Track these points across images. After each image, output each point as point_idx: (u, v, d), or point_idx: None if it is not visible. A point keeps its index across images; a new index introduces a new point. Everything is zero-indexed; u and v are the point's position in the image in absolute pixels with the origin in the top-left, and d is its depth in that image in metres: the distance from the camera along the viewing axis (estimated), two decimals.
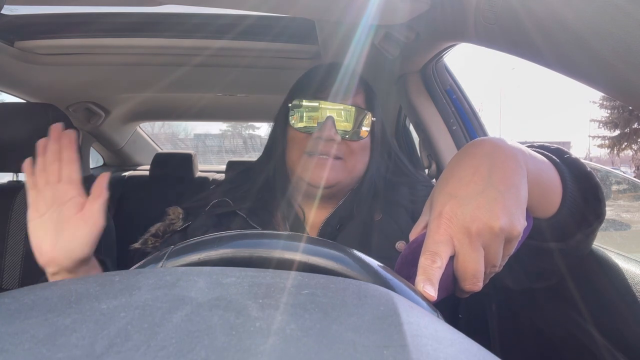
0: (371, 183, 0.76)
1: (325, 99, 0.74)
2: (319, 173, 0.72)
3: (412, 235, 0.48)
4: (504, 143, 0.47)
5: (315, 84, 0.76)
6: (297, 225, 0.76)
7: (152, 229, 0.79)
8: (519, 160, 0.45)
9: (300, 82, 0.81)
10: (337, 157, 0.72)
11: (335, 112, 0.73)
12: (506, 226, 0.41)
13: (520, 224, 0.42)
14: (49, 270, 0.59)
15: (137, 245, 0.78)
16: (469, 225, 0.41)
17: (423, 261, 0.40)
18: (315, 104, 0.75)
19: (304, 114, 0.75)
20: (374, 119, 0.76)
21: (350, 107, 0.74)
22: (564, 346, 0.70)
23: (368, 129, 0.76)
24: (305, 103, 0.75)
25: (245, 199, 0.77)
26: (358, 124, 0.75)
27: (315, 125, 0.74)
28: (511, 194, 0.42)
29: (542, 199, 0.51)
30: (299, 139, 0.75)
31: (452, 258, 0.42)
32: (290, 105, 0.76)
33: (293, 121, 0.75)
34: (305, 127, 0.75)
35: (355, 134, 0.74)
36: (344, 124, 0.74)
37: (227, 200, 0.77)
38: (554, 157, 0.54)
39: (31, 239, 0.58)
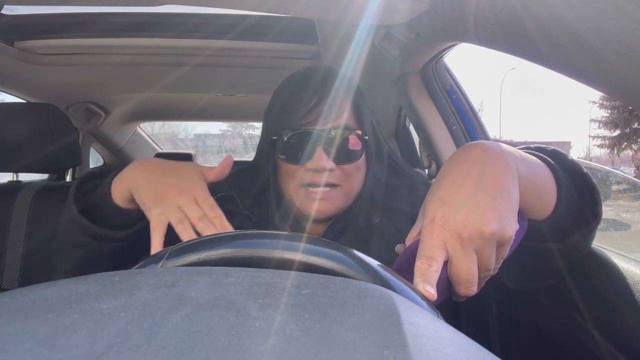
0: (367, 190, 0.73)
1: (310, 124, 0.67)
2: (322, 208, 0.68)
3: (408, 241, 0.48)
4: (495, 147, 0.47)
5: (292, 105, 0.69)
6: (297, 227, 0.76)
7: None
8: (510, 164, 0.45)
9: (276, 104, 0.74)
10: (333, 185, 0.68)
11: (324, 138, 0.67)
12: (497, 230, 0.41)
13: (511, 228, 0.42)
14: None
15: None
16: (460, 231, 0.41)
17: (419, 265, 0.41)
18: (301, 132, 0.68)
19: (292, 145, 0.69)
20: (367, 137, 0.70)
21: (338, 130, 0.68)
22: (563, 346, 0.70)
23: (362, 147, 0.70)
24: (290, 133, 0.68)
25: (247, 198, 0.77)
26: (350, 145, 0.69)
27: (305, 154, 0.68)
28: (502, 198, 0.43)
29: (536, 200, 0.51)
30: (291, 171, 0.69)
31: (446, 263, 0.42)
32: (274, 138, 0.70)
33: (281, 153, 0.70)
34: (295, 159, 0.69)
35: (348, 156, 0.69)
36: (336, 149, 0.68)
37: (232, 195, 0.76)
38: (548, 158, 0.54)
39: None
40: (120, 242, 0.64)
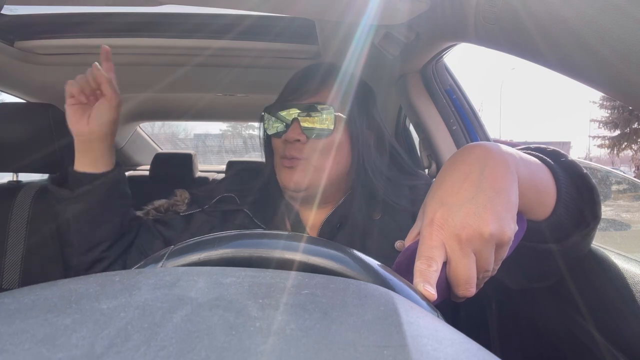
0: (364, 181, 0.75)
1: (291, 101, 0.74)
2: (287, 177, 0.73)
3: (407, 242, 0.48)
4: (495, 148, 0.48)
5: (289, 90, 0.77)
6: (298, 224, 0.76)
7: (156, 203, 0.84)
8: (509, 165, 0.46)
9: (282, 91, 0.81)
10: (296, 158, 0.73)
11: (299, 113, 0.73)
12: (496, 232, 0.41)
13: (510, 229, 0.42)
14: (80, 138, 0.75)
15: (139, 213, 0.82)
16: (459, 232, 0.41)
17: (419, 265, 0.41)
18: (281, 106, 0.75)
19: (274, 119, 0.76)
20: (340, 114, 0.74)
21: (312, 104, 0.73)
22: (564, 346, 0.70)
23: (334, 125, 0.73)
24: (273, 109, 0.76)
25: (248, 196, 0.78)
26: (322, 122, 0.73)
27: (285, 128, 0.74)
28: (501, 199, 0.43)
29: (535, 201, 0.51)
30: (274, 144, 0.77)
31: (445, 264, 0.42)
32: (262, 114, 0.78)
33: (269, 130, 0.77)
34: (276, 132, 0.76)
35: (319, 132, 0.73)
36: (309, 124, 0.73)
37: (232, 196, 0.78)
38: (548, 159, 0.54)
39: (68, 119, 0.74)
40: (78, 203, 0.74)
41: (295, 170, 0.72)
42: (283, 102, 0.75)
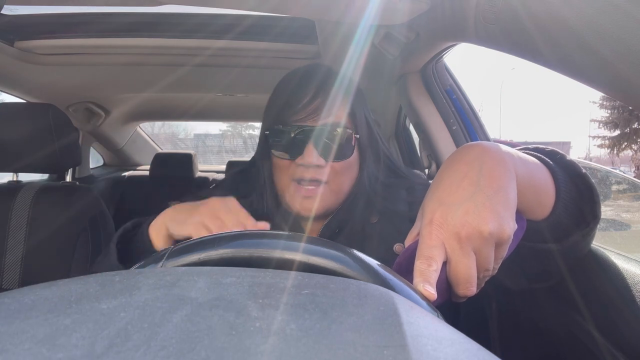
0: (364, 192, 0.74)
1: (302, 120, 0.69)
2: (307, 205, 0.69)
3: (407, 242, 0.48)
4: (493, 147, 0.48)
5: (288, 101, 0.70)
6: (297, 230, 0.76)
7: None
8: (508, 164, 0.46)
9: (273, 100, 0.75)
10: (319, 181, 0.69)
11: (315, 134, 0.68)
12: (495, 230, 0.41)
13: (509, 228, 0.42)
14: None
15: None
16: (458, 231, 0.41)
17: (419, 265, 0.41)
18: (293, 128, 0.69)
19: (284, 140, 0.70)
20: (357, 135, 0.71)
21: (330, 127, 0.69)
22: (564, 346, 0.70)
23: (353, 146, 0.71)
24: (283, 128, 0.70)
25: (245, 199, 0.77)
26: (341, 143, 0.70)
27: (297, 150, 0.69)
28: (499, 197, 0.43)
29: (534, 200, 0.51)
30: (283, 165, 0.71)
31: (445, 264, 0.42)
32: (267, 132, 0.72)
33: (274, 148, 0.71)
34: (287, 153, 0.70)
35: (338, 154, 0.69)
36: (326, 146, 0.69)
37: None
38: (546, 159, 0.54)
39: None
40: None
41: (314, 198, 0.69)
42: (289, 120, 0.69)
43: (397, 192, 0.76)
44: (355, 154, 0.72)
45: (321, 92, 0.69)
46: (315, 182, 0.69)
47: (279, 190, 0.74)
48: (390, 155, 0.81)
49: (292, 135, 0.69)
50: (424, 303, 0.34)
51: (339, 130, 0.69)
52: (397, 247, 0.69)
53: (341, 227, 0.74)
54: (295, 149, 0.69)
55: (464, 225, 0.41)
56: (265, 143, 0.73)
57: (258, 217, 0.75)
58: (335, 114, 0.70)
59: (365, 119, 0.75)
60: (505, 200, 0.43)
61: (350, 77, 0.75)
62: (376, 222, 0.73)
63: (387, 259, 0.50)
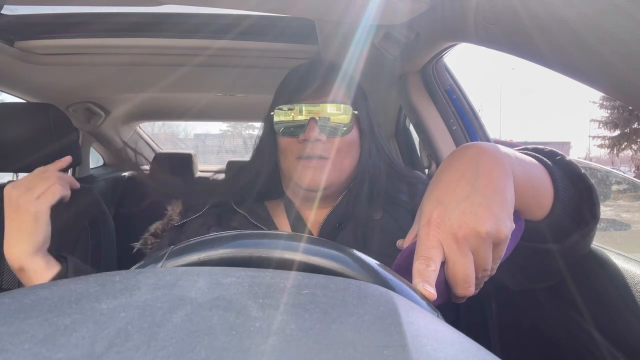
0: (366, 178, 0.76)
1: (305, 100, 0.74)
2: (314, 177, 0.72)
3: (405, 243, 0.48)
4: (490, 147, 0.48)
5: (294, 87, 0.76)
6: (298, 223, 0.76)
7: (152, 228, 0.81)
8: (505, 164, 0.46)
9: (280, 87, 0.80)
10: (324, 157, 0.72)
11: (317, 112, 0.73)
12: (492, 230, 0.41)
13: (506, 227, 0.42)
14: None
15: (138, 245, 0.80)
16: (456, 231, 0.41)
17: (417, 265, 0.41)
18: (295, 107, 0.74)
19: (287, 119, 0.75)
20: (356, 112, 0.75)
21: (330, 104, 0.73)
22: (564, 346, 0.70)
23: (352, 123, 0.74)
24: (286, 108, 0.75)
25: (245, 197, 0.77)
26: (341, 120, 0.74)
27: (300, 128, 0.73)
28: (497, 197, 0.43)
29: (532, 200, 0.51)
30: (288, 144, 0.75)
31: (443, 264, 0.42)
32: (272, 113, 0.76)
33: (278, 128, 0.75)
34: (290, 132, 0.74)
35: (340, 130, 0.73)
36: (328, 123, 0.73)
37: (225, 201, 0.78)
38: (545, 159, 0.54)
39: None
40: None
41: (319, 169, 0.72)
42: (293, 101, 0.74)
43: (398, 185, 0.77)
44: (355, 133, 0.76)
45: (326, 77, 0.74)
46: (319, 158, 0.72)
47: (286, 172, 0.77)
48: (390, 154, 0.82)
49: (295, 113, 0.74)
50: (423, 303, 0.34)
51: (340, 107, 0.74)
52: (399, 242, 0.69)
53: (342, 223, 0.74)
54: (298, 128, 0.73)
55: (461, 226, 0.41)
56: (271, 126, 0.77)
57: (257, 216, 0.76)
58: (337, 96, 0.74)
59: (365, 109, 0.79)
60: (502, 200, 0.43)
61: (351, 74, 0.78)
62: (379, 218, 0.73)
63: (390, 254, 0.50)
